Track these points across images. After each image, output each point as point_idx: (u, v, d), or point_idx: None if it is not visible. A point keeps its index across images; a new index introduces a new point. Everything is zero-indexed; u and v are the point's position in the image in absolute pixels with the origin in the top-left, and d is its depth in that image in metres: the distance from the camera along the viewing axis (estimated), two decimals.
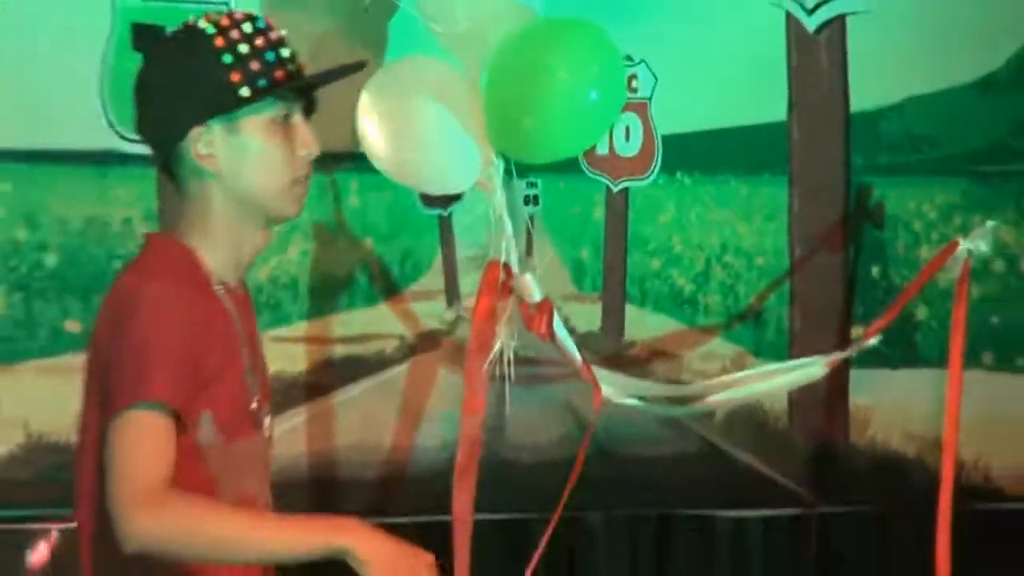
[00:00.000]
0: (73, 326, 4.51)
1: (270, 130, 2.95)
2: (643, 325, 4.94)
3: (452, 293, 4.83)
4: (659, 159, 4.89)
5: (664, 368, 4.94)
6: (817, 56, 4.98)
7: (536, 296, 4.00)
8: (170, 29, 3.11)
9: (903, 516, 4.90)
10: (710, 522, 4.99)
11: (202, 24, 2.95)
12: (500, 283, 4.07)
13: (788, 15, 4.90)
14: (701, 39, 4.84)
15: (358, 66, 3.18)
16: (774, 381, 4.43)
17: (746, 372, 4.54)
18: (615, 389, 4.19)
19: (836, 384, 4.95)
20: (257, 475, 3.10)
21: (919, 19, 4.96)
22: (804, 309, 4.99)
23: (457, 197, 4.62)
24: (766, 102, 4.95)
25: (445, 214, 4.71)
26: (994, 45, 5.06)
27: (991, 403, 4.92)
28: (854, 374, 4.96)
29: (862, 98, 5.00)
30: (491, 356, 4.05)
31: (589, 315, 4.87)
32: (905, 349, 4.99)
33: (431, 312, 4.84)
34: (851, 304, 5.01)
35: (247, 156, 2.96)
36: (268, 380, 3.19)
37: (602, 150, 4.85)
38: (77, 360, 4.03)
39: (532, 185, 4.82)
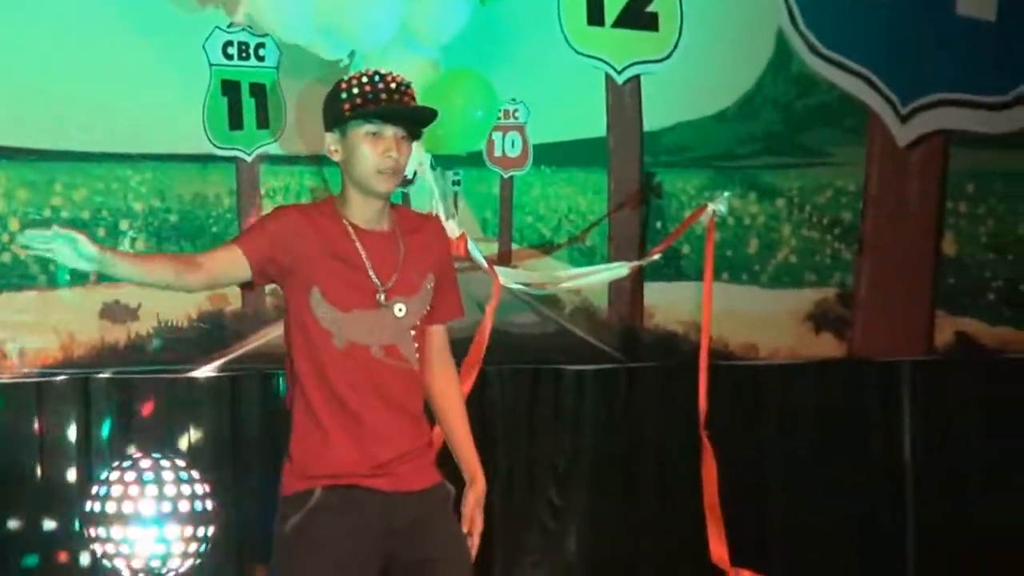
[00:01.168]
0: None
1: (365, 139, 3.56)
2: (521, 253, 5.90)
3: None
4: (531, 158, 5.91)
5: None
6: (623, 98, 6.02)
7: (455, 233, 4.97)
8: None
9: (677, 369, 5.90)
10: (561, 372, 5.98)
11: (343, 77, 3.63)
12: None
13: (607, 75, 5.98)
14: (557, 87, 5.90)
15: (432, 112, 3.64)
16: (597, 276, 5.57)
17: (578, 269, 5.63)
18: (505, 278, 5.25)
19: (635, 290, 5.97)
20: (371, 333, 3.55)
21: (683, 77, 6.07)
22: (616, 244, 6.01)
23: (411, 182, 5.32)
24: (594, 125, 5.99)
25: (406, 191, 5.44)
26: (726, 93, 6.20)
27: (727, 302, 5.94)
28: (646, 285, 5.99)
29: (650, 122, 6.05)
30: None
31: (491, 249, 5.73)
32: (676, 269, 5.98)
33: None
34: (644, 241, 6.00)
35: (351, 153, 3.59)
36: (413, 286, 3.61)
37: (498, 153, 5.83)
38: None
39: (457, 175, 5.71)
